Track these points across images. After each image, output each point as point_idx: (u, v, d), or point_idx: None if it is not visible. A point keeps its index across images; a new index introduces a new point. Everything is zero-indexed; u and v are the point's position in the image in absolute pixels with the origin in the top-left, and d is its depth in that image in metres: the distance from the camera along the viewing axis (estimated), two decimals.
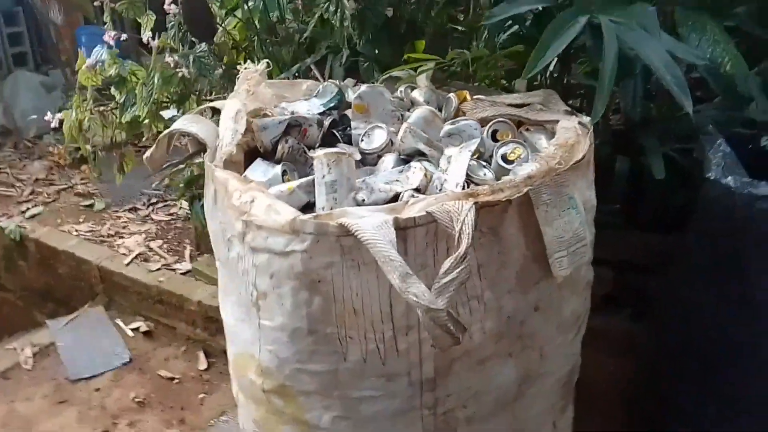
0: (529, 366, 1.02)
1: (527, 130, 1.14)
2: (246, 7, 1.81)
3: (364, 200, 0.91)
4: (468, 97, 1.24)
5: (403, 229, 0.83)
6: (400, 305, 0.88)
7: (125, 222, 2.80)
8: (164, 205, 2.97)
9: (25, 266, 2.77)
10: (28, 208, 2.91)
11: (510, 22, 1.58)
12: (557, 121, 1.10)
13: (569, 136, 1.03)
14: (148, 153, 1.11)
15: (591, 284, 1.16)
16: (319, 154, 0.92)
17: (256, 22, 1.85)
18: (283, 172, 0.99)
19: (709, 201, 1.24)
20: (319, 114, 1.10)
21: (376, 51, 1.65)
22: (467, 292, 0.91)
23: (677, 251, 1.42)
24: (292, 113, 1.09)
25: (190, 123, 1.07)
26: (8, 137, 3.73)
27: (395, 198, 0.93)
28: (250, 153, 1.08)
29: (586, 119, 1.12)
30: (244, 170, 1.05)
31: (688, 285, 1.34)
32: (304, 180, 0.96)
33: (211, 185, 1.02)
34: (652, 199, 1.66)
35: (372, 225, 0.79)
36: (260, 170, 1.01)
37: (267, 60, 1.11)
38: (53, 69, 4.18)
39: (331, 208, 0.90)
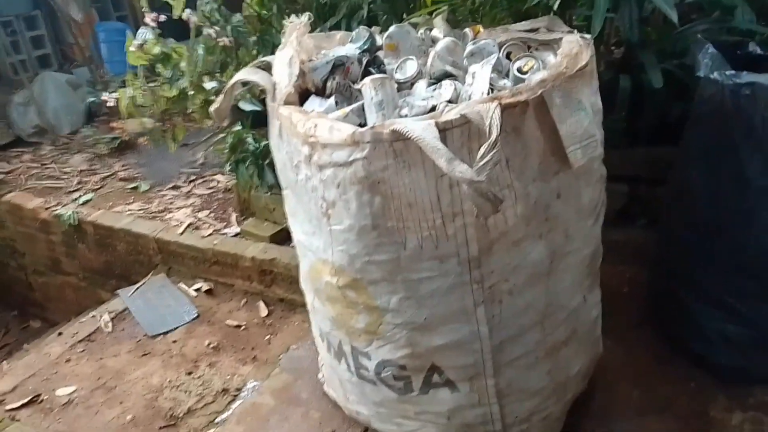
0: (556, 245, 1.22)
1: (536, 50, 1.32)
2: None
3: (407, 114, 1.10)
4: (481, 30, 1.42)
5: (442, 130, 1.02)
6: (445, 195, 1.08)
7: (171, 199, 3.03)
8: (203, 181, 3.19)
9: (84, 248, 3.01)
10: (79, 196, 3.15)
11: None
12: (562, 39, 1.27)
13: (573, 47, 1.20)
14: (215, 104, 1.31)
15: (605, 178, 1.34)
16: (365, 81, 1.11)
17: None
18: (336, 103, 1.18)
19: (700, 98, 1.41)
20: (357, 54, 1.29)
21: (392, 6, 1.83)
22: (499, 182, 1.11)
23: (677, 150, 1.59)
24: (334, 56, 1.28)
25: (249, 74, 1.27)
26: (45, 136, 3.97)
27: (432, 110, 1.12)
28: (302, 93, 1.28)
29: (587, 35, 1.29)
30: (301, 107, 1.24)
31: (686, 177, 1.51)
32: (355, 105, 1.15)
33: (276, 121, 1.22)
34: (654, 110, 1.83)
35: (420, 127, 0.98)
36: (316, 104, 1.20)
37: (309, 13, 1.30)
38: (76, 67, 4.41)
39: (381, 123, 1.09)
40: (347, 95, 1.23)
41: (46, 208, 3.08)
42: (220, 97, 1.31)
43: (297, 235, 1.34)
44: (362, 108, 1.14)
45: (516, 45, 1.27)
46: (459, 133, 1.05)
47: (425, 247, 1.13)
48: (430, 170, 1.05)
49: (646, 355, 1.70)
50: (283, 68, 1.24)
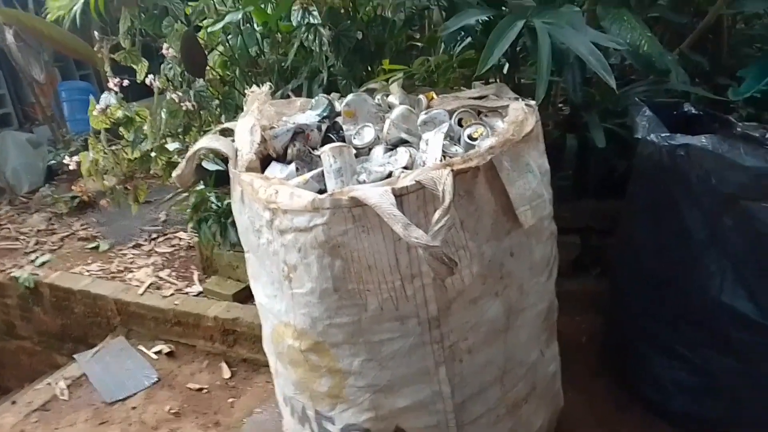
0: (511, 301, 1.26)
1: (485, 116, 1.40)
2: (227, 45, 2.06)
3: (365, 180, 1.15)
4: (435, 96, 1.50)
5: (399, 195, 1.07)
6: (404, 258, 1.12)
7: (131, 258, 2.99)
8: (165, 239, 3.17)
9: (40, 311, 2.93)
10: (36, 257, 3.07)
11: (462, 33, 1.86)
12: (509, 106, 1.36)
13: (518, 114, 1.28)
14: (177, 171, 1.33)
15: (555, 235, 1.41)
16: (325, 149, 1.16)
17: (237, 57, 2.10)
18: (297, 169, 1.22)
19: (640, 157, 1.51)
20: (317, 121, 1.34)
21: (350, 70, 1.91)
22: (455, 243, 1.15)
23: (622, 207, 1.68)
24: (294, 123, 1.33)
25: (212, 141, 1.30)
26: (2, 195, 3.89)
27: (389, 176, 1.17)
28: (263, 159, 1.32)
29: (531, 102, 1.38)
30: (261, 172, 1.28)
31: (631, 231, 1.60)
32: (314, 172, 1.20)
33: (238, 187, 1.25)
34: (600, 166, 1.94)
35: (377, 193, 1.03)
36: (277, 170, 1.24)
37: (270, 83, 1.35)
38: (37, 126, 4.38)
39: (340, 189, 1.14)
40: (308, 161, 1.27)
41: (2, 271, 3.00)
42: (183, 164, 1.34)
43: (259, 297, 1.35)
44: (322, 174, 1.19)
45: (466, 112, 1.34)
46: (414, 198, 1.09)
47: (386, 308, 1.15)
48: (388, 234, 1.09)
49: (605, 404, 1.74)
50: (245, 135, 1.28)
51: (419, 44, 2.16)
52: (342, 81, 1.86)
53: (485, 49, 1.45)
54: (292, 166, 1.23)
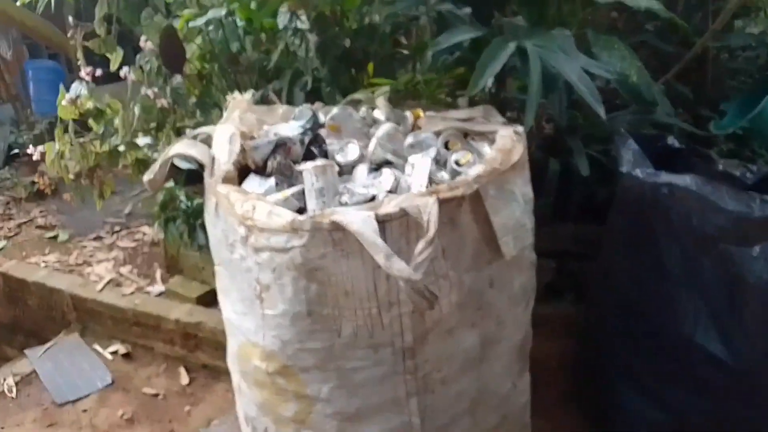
0: (488, 332, 1.23)
1: (473, 139, 1.37)
2: (207, 38, 1.97)
3: (347, 202, 1.11)
4: (421, 114, 1.46)
5: (382, 222, 1.03)
6: (382, 285, 1.08)
7: (92, 251, 2.88)
8: (128, 233, 3.05)
9: None
10: None
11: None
12: (496, 131, 1.33)
13: (506, 142, 1.25)
14: (149, 175, 1.27)
15: (534, 264, 1.38)
16: (308, 166, 1.11)
17: (217, 52, 2.01)
18: (276, 184, 1.17)
19: (623, 190, 1.50)
20: (299, 133, 1.29)
21: (336, 77, 1.85)
22: (435, 271, 1.12)
23: (602, 235, 1.67)
24: (275, 134, 1.28)
25: (187, 147, 1.24)
26: None
27: (372, 199, 1.12)
28: (241, 170, 1.26)
29: (520, 128, 1.36)
30: (239, 184, 1.22)
31: (611, 261, 1.59)
32: (295, 189, 1.14)
33: (213, 198, 1.19)
34: (580, 193, 1.93)
35: (359, 219, 0.98)
36: (255, 183, 1.18)
37: (252, 90, 1.29)
38: (1, 104, 4.19)
39: (321, 210, 1.09)
40: (288, 175, 1.22)
41: None
42: (155, 168, 1.27)
43: (227, 313, 1.29)
44: (302, 192, 1.14)
45: (453, 135, 1.31)
46: (398, 225, 1.05)
47: (360, 335, 1.11)
48: (368, 260, 1.04)
49: None
50: (224, 144, 1.22)
51: (405, 51, 2.12)
52: (326, 87, 1.81)
53: (477, 69, 1.42)
54: (272, 180, 1.18)
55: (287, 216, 1.04)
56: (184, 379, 2.21)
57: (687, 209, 1.34)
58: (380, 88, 1.61)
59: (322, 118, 1.41)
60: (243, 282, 1.17)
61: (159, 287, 2.52)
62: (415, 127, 1.43)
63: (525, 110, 1.48)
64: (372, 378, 1.15)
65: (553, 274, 2.15)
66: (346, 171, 1.25)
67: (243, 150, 1.23)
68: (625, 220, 1.54)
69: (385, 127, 1.26)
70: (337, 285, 1.07)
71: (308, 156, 1.26)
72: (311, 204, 1.11)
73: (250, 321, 1.20)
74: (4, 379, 2.22)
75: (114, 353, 2.35)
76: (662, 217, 1.40)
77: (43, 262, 2.76)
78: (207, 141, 1.32)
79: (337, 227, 1.01)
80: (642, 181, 1.41)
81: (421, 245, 0.97)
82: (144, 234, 3.02)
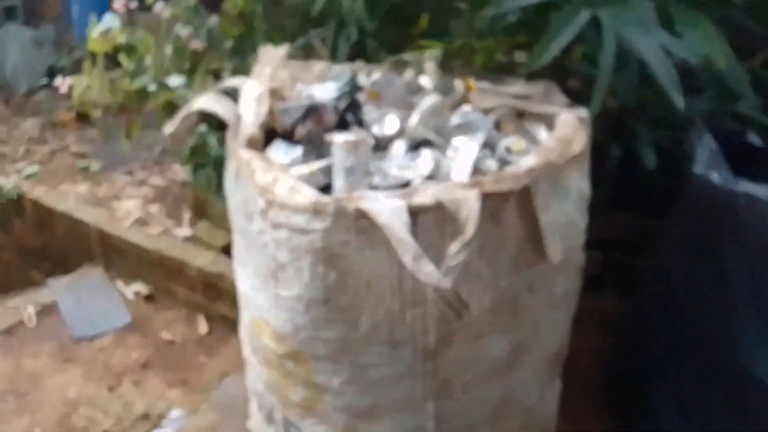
0: (520, 340, 1.12)
1: (528, 121, 1.21)
2: None
3: (378, 185, 0.98)
4: (472, 85, 1.31)
5: (414, 213, 0.91)
6: (407, 281, 0.96)
7: (122, 185, 2.83)
8: (160, 170, 2.99)
9: (21, 225, 2.80)
10: (23, 167, 2.92)
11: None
12: (557, 115, 1.17)
13: (567, 130, 1.10)
14: (170, 128, 1.16)
15: (582, 267, 1.25)
16: (339, 141, 0.99)
17: None
18: (303, 154, 1.05)
19: (693, 192, 1.33)
20: (334, 98, 1.16)
21: (383, 33, 1.70)
22: (469, 270, 0.99)
23: (661, 232, 1.52)
24: (308, 97, 1.15)
25: (212, 102, 1.13)
26: None
27: (406, 184, 1.00)
28: (268, 132, 1.14)
29: (584, 113, 1.19)
30: (264, 148, 1.11)
31: (669, 265, 1.44)
32: (322, 164, 1.03)
33: (234, 163, 1.08)
34: (639, 181, 1.75)
35: (388, 209, 0.86)
36: (281, 150, 1.07)
37: (287, 44, 1.16)
38: (44, 23, 4.12)
39: (348, 191, 0.97)
40: (318, 144, 1.10)
41: None
42: (177, 121, 1.17)
43: (242, 283, 1.21)
44: (330, 167, 1.02)
45: (507, 115, 1.16)
46: (432, 217, 0.94)
47: (379, 330, 1.01)
48: (394, 253, 0.93)
49: None
50: (251, 103, 1.10)
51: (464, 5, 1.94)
52: (373, 43, 1.66)
53: (542, 40, 1.25)
54: (299, 150, 1.06)
55: (310, 195, 0.93)
56: (203, 328, 2.17)
57: (765, 225, 1.18)
58: (430, 50, 1.45)
59: (362, 80, 1.27)
60: (259, 257, 1.08)
61: (186, 231, 2.46)
62: (465, 99, 1.28)
63: (589, 84, 1.32)
64: (388, 376, 1.05)
65: (599, 267, 2.00)
66: (381, 145, 1.12)
67: (271, 112, 1.11)
68: (691, 223, 1.37)
69: (430, 100, 1.12)
70: (359, 275, 0.96)
71: (342, 124, 1.13)
72: (338, 182, 0.99)
73: (263, 297, 1.11)
74: (25, 308, 2.22)
75: (136, 294, 2.33)
76: (734, 229, 1.24)
77: (74, 191, 2.73)
78: (235, 95, 1.20)
79: (362, 215, 0.90)
80: (717, 186, 1.25)
81: (455, 246, 0.85)
82: (175, 173, 2.96)
